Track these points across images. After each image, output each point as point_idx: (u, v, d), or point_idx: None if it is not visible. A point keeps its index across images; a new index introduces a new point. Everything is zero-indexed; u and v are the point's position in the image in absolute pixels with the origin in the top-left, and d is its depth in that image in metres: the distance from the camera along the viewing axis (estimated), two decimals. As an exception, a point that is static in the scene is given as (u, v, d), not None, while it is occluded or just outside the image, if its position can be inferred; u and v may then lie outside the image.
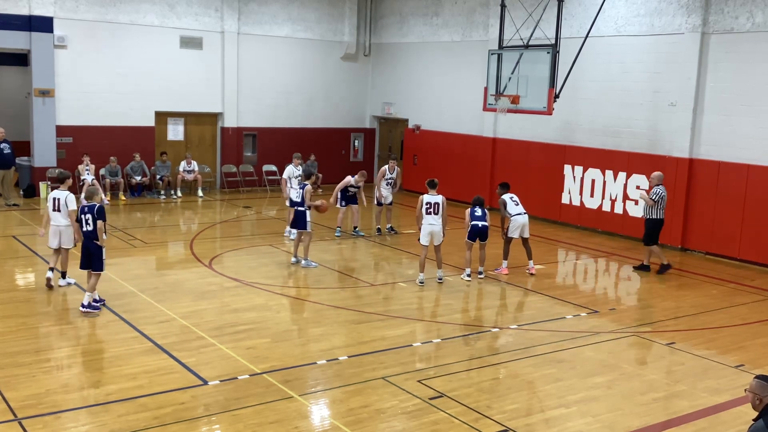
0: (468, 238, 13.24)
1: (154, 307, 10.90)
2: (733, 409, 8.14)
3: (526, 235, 13.71)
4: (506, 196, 13.77)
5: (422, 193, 12.93)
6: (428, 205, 12.72)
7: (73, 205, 11.29)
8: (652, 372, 9.20)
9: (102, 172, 19.99)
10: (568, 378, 8.85)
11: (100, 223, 10.30)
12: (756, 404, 5.23)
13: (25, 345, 9.24)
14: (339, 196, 16.36)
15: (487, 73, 16.16)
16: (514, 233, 13.62)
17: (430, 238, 12.76)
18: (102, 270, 10.55)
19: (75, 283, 11.78)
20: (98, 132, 20.35)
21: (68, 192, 11.42)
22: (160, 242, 15.77)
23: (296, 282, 12.82)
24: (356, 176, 16.43)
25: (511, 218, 13.62)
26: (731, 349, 10.22)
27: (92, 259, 10.42)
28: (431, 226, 12.71)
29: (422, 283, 12.73)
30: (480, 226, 13.13)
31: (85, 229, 10.43)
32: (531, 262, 13.84)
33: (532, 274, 13.70)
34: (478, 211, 13.20)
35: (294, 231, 14.21)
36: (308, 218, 13.48)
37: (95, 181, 18.46)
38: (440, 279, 12.99)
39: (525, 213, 13.75)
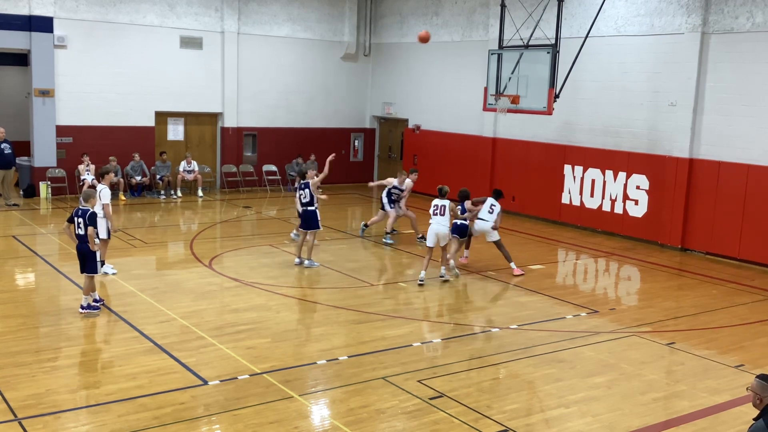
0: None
1: (154, 307, 10.90)
2: (733, 409, 8.14)
3: (491, 239, 13.84)
4: (487, 203, 13.94)
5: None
6: (435, 207, 12.92)
7: (105, 199, 12.01)
8: (652, 372, 9.20)
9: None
10: (568, 378, 8.85)
11: (90, 229, 10.26)
12: (757, 403, 5.24)
13: (25, 345, 9.24)
14: (386, 200, 15.91)
15: (487, 73, 16.18)
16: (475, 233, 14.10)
17: (436, 239, 12.84)
18: (96, 272, 10.52)
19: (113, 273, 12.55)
20: (98, 132, 20.35)
21: (104, 186, 12.23)
22: (160, 242, 15.77)
23: (296, 282, 12.82)
24: (398, 178, 16.02)
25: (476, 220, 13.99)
26: (731, 349, 10.22)
27: (86, 261, 10.40)
28: (438, 226, 12.81)
29: (422, 281, 12.75)
30: (458, 223, 13.50)
31: (77, 232, 10.40)
32: (512, 264, 13.82)
33: (516, 275, 13.65)
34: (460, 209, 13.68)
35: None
36: (318, 217, 13.57)
37: (95, 181, 18.47)
38: (442, 276, 13.06)
39: (488, 221, 13.72)
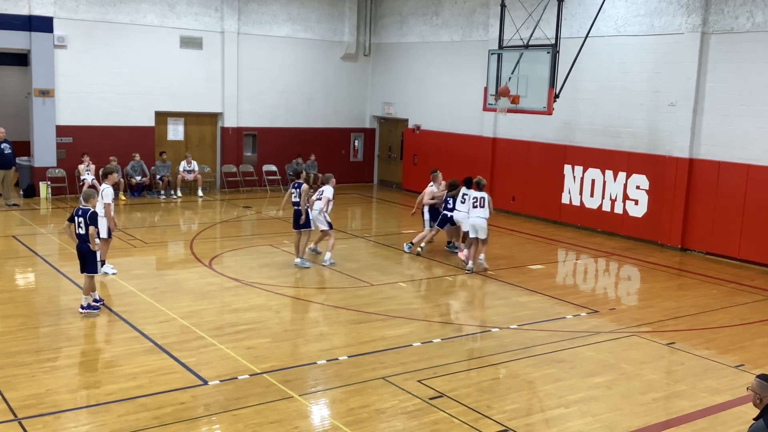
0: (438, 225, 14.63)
1: (154, 307, 10.90)
2: (733, 409, 8.15)
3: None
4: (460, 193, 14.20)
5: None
6: (474, 199, 13.53)
7: (107, 199, 12.14)
8: (652, 372, 9.20)
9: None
10: (568, 378, 8.85)
11: (92, 228, 10.26)
12: (757, 403, 5.25)
13: (25, 345, 9.24)
14: (428, 215, 14.80)
15: (487, 73, 16.17)
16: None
17: (475, 231, 13.46)
18: (96, 272, 10.51)
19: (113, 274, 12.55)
20: (98, 132, 20.35)
21: (107, 186, 12.26)
22: (160, 242, 15.77)
23: (296, 282, 12.81)
24: (434, 183, 15.03)
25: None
26: (731, 349, 10.22)
27: (86, 261, 10.39)
28: (476, 219, 13.43)
29: (471, 269, 13.57)
30: (448, 215, 14.42)
31: (77, 232, 10.40)
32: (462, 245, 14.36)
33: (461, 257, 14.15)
34: (450, 202, 14.33)
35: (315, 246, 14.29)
36: (310, 216, 13.54)
37: (95, 181, 18.48)
38: (470, 269, 13.59)
39: (462, 212, 14.01)
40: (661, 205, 16.55)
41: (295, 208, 13.59)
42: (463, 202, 13.92)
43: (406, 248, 15.05)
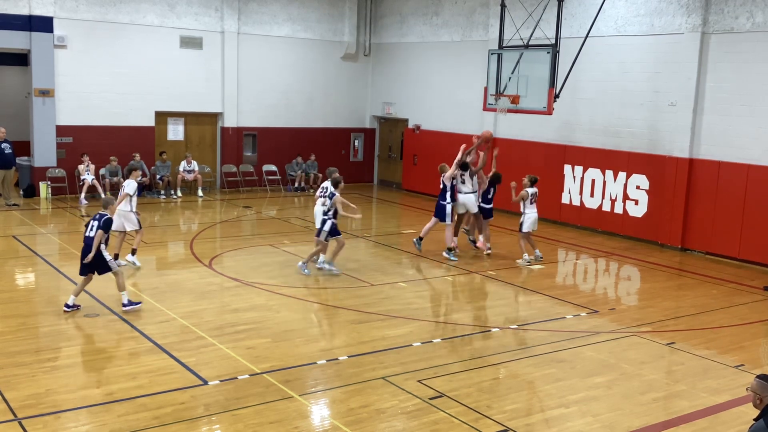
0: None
1: (154, 307, 10.90)
2: (733, 409, 8.15)
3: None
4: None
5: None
6: (532, 197, 14.42)
7: (130, 190, 12.86)
8: (652, 372, 9.20)
9: (102, 172, 20.00)
10: (568, 378, 8.85)
11: (100, 232, 10.24)
12: (757, 403, 5.24)
13: (25, 345, 9.25)
14: (446, 207, 14.58)
15: (487, 73, 16.16)
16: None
17: (532, 226, 14.54)
18: (109, 270, 10.46)
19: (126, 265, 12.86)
20: (98, 132, 20.35)
21: (131, 181, 13.03)
22: (160, 242, 15.76)
23: (296, 282, 12.81)
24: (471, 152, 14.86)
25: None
26: (731, 349, 10.22)
27: (99, 266, 10.41)
28: (535, 215, 14.46)
29: (530, 262, 14.49)
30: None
31: (87, 234, 10.42)
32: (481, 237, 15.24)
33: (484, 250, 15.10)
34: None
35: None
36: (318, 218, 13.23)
37: (95, 182, 18.50)
38: (539, 256, 14.75)
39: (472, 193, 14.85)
40: (661, 205, 16.55)
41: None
42: (463, 183, 14.70)
43: (446, 254, 14.56)
